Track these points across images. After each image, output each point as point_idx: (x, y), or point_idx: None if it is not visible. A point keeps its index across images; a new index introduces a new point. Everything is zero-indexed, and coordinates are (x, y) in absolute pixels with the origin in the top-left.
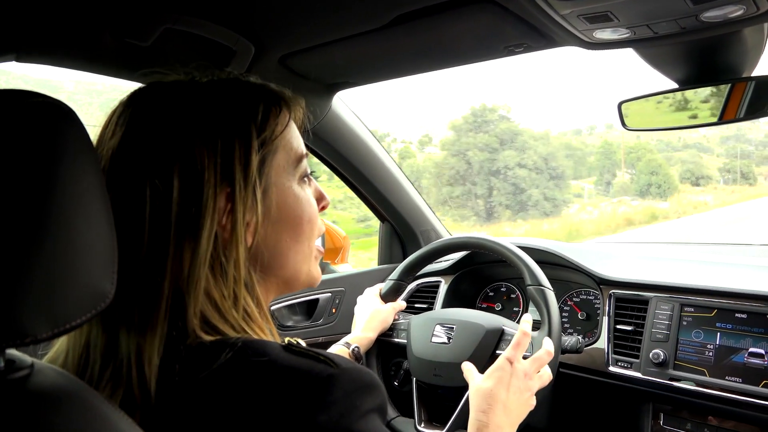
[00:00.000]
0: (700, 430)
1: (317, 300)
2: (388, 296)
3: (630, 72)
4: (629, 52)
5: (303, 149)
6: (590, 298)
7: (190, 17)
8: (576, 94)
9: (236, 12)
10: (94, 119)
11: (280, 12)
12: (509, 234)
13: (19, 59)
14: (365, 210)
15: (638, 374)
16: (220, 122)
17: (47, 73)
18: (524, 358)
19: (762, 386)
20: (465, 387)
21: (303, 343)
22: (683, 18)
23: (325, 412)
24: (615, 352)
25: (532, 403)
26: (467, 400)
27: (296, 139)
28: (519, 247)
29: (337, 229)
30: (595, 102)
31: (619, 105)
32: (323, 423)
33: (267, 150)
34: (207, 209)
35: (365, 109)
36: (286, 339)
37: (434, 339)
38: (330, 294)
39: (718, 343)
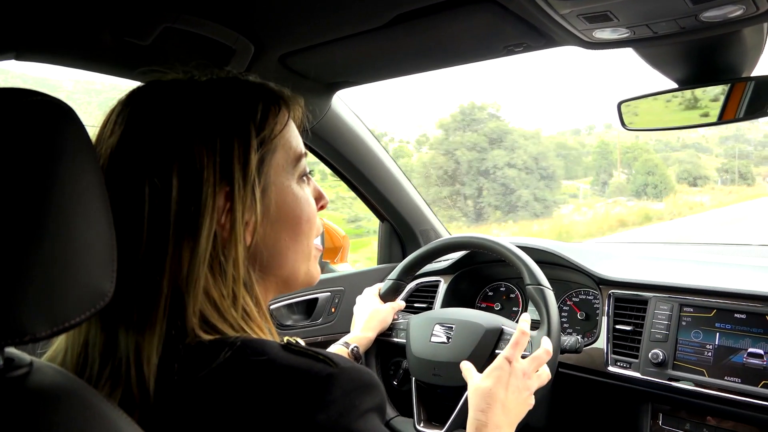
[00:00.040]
0: (699, 430)
1: (316, 299)
2: (388, 296)
3: (629, 72)
4: (629, 52)
5: (302, 148)
6: (589, 298)
7: (189, 16)
8: (576, 94)
9: (236, 11)
10: (93, 118)
11: (280, 11)
12: (498, 235)
13: (18, 57)
14: (356, 210)
15: (637, 374)
16: (219, 121)
17: (46, 71)
18: (523, 357)
19: (761, 386)
20: (464, 386)
21: (302, 343)
22: (683, 18)
23: (324, 412)
24: (614, 352)
25: (531, 402)
26: (466, 400)
27: (295, 138)
28: (518, 246)
29: (336, 229)
30: (595, 102)
31: (619, 105)
32: (322, 422)
33: (266, 149)
34: (206, 208)
35: (363, 108)
36: (285, 338)
37: (433, 338)
38: (329, 293)
39: (717, 343)
